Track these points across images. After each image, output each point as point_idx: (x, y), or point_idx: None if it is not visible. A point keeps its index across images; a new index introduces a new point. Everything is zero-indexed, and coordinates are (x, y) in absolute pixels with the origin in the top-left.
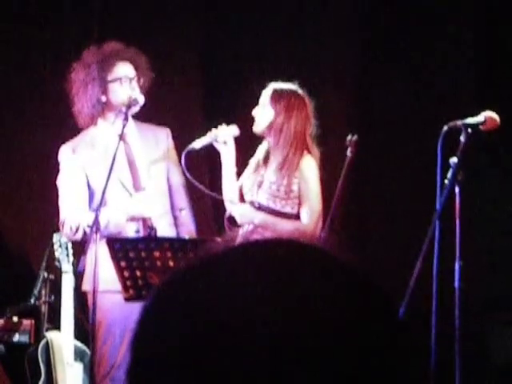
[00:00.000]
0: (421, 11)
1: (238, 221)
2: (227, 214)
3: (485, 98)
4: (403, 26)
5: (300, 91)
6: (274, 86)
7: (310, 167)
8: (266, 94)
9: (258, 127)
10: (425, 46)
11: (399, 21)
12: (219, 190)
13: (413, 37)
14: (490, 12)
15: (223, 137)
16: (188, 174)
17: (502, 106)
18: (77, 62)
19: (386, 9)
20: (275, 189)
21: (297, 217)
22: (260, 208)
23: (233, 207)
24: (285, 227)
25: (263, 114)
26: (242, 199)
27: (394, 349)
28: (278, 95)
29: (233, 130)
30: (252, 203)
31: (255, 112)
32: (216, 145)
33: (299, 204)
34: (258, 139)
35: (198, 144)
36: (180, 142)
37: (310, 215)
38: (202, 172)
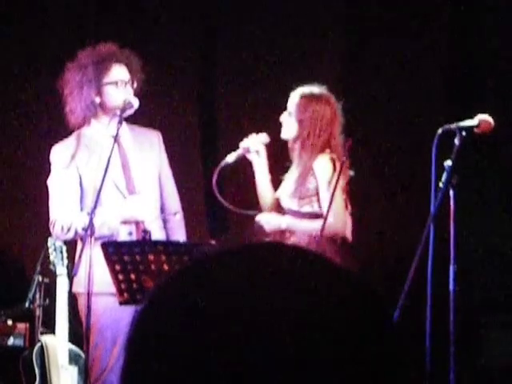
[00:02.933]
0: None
1: (266, 229)
2: (256, 224)
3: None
4: (392, 28)
5: (326, 93)
6: (300, 91)
7: (320, 165)
8: (292, 101)
9: (286, 135)
10: (416, 46)
11: (386, 24)
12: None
13: (403, 35)
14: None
15: (255, 146)
16: (217, 193)
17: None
18: (71, 63)
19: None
20: (293, 189)
21: (317, 215)
22: (285, 212)
23: (258, 216)
24: (310, 228)
25: (290, 122)
26: (279, 207)
27: (389, 352)
28: (303, 104)
29: (263, 138)
30: (283, 209)
31: (283, 118)
32: (248, 155)
33: (318, 202)
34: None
35: (231, 158)
36: (172, 145)
37: (333, 213)
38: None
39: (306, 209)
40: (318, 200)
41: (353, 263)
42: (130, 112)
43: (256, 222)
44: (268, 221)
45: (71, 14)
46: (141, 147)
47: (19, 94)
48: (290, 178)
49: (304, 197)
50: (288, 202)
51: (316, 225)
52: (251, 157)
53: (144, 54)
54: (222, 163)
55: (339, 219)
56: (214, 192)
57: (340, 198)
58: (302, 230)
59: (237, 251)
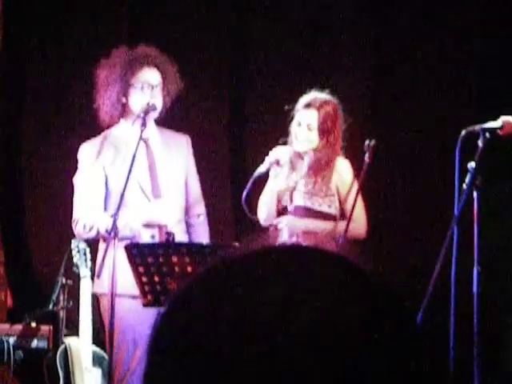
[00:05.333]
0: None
1: (287, 232)
2: (272, 227)
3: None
4: (414, 34)
5: (331, 97)
6: (310, 102)
7: (345, 168)
8: (310, 115)
9: (305, 147)
10: (440, 50)
11: (409, 28)
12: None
13: (427, 42)
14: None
15: (284, 158)
16: (245, 202)
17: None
18: (105, 59)
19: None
20: (311, 188)
21: (333, 217)
22: (296, 210)
23: (278, 220)
24: (333, 230)
25: (310, 135)
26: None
27: (411, 355)
28: (323, 114)
29: (290, 150)
30: (285, 209)
31: (299, 132)
32: (274, 166)
33: (340, 204)
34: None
35: (263, 168)
36: (200, 149)
37: (355, 214)
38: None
39: (324, 208)
40: (338, 201)
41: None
42: (153, 115)
43: (275, 225)
44: (292, 223)
45: (106, 15)
46: (169, 150)
47: (57, 92)
48: (304, 179)
49: (324, 196)
50: (303, 200)
51: (339, 226)
52: (275, 167)
53: (175, 57)
54: (256, 173)
55: (362, 223)
56: (243, 201)
57: (361, 201)
58: (328, 232)
59: (258, 254)
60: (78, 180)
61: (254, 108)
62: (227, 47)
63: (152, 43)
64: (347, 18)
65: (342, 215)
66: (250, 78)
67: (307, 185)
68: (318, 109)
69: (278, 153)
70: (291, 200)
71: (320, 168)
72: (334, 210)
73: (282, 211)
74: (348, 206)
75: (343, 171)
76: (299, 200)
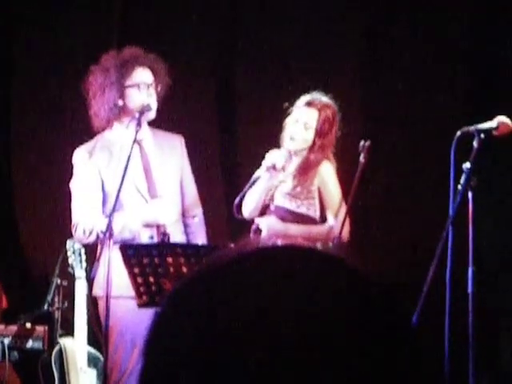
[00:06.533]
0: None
1: (265, 232)
2: (254, 226)
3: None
4: (408, 32)
5: (331, 101)
6: (313, 102)
7: (329, 172)
8: (309, 115)
9: (299, 146)
10: (434, 49)
11: (404, 27)
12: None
13: (421, 42)
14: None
15: (280, 162)
16: (237, 206)
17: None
18: (95, 66)
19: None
20: (291, 188)
21: (312, 219)
22: (277, 210)
23: (260, 220)
24: (313, 233)
25: (305, 134)
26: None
27: (407, 355)
28: (323, 116)
29: (285, 153)
30: (267, 207)
31: (295, 131)
32: (270, 170)
33: (321, 208)
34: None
35: (260, 172)
36: (192, 149)
37: (336, 218)
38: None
39: (302, 210)
40: (319, 205)
41: None
42: (148, 115)
43: (255, 225)
44: (272, 225)
45: (95, 18)
46: (162, 151)
47: (49, 98)
48: (289, 179)
49: (304, 198)
50: (283, 201)
51: (321, 229)
52: (271, 171)
53: (165, 58)
54: (253, 178)
55: (346, 228)
56: (235, 203)
57: (343, 205)
58: (303, 236)
59: (254, 254)
60: (74, 184)
61: (245, 107)
62: (217, 44)
63: (141, 43)
64: (338, 13)
65: (324, 219)
66: (239, 76)
67: (290, 185)
68: (320, 110)
69: (274, 157)
70: (272, 199)
71: (307, 170)
72: (312, 212)
73: (264, 209)
74: (330, 210)
75: (326, 174)
76: (280, 200)
